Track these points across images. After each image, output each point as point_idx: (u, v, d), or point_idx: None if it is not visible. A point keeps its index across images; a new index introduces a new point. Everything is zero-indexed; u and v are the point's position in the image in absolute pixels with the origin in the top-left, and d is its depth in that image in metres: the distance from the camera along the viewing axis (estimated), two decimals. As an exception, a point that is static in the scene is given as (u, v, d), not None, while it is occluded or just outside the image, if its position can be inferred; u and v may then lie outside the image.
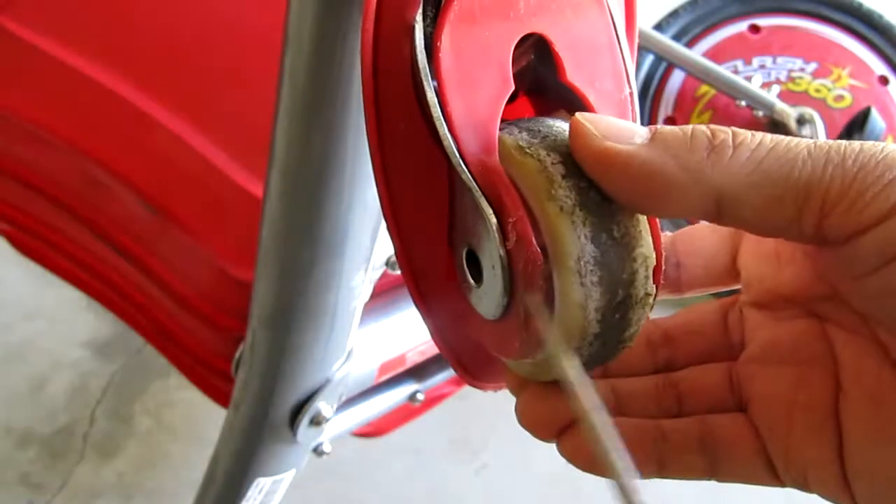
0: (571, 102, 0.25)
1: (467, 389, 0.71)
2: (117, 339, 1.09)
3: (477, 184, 0.23)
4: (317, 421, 0.48)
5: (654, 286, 0.23)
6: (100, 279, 0.62)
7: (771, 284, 0.26)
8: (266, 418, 0.47)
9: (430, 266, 0.26)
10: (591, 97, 0.25)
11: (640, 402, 0.26)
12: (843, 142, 0.21)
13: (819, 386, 0.24)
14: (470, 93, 0.23)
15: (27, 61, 0.59)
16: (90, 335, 1.10)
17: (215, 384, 0.57)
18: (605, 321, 0.23)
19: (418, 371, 0.61)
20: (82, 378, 1.06)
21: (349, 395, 0.53)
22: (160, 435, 1.02)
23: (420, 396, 0.62)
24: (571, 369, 0.23)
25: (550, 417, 0.25)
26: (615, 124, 0.22)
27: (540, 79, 0.26)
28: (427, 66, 0.23)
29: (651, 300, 0.23)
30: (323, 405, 0.47)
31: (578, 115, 0.23)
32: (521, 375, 0.26)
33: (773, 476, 0.25)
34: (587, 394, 0.22)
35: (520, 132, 0.24)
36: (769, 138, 0.21)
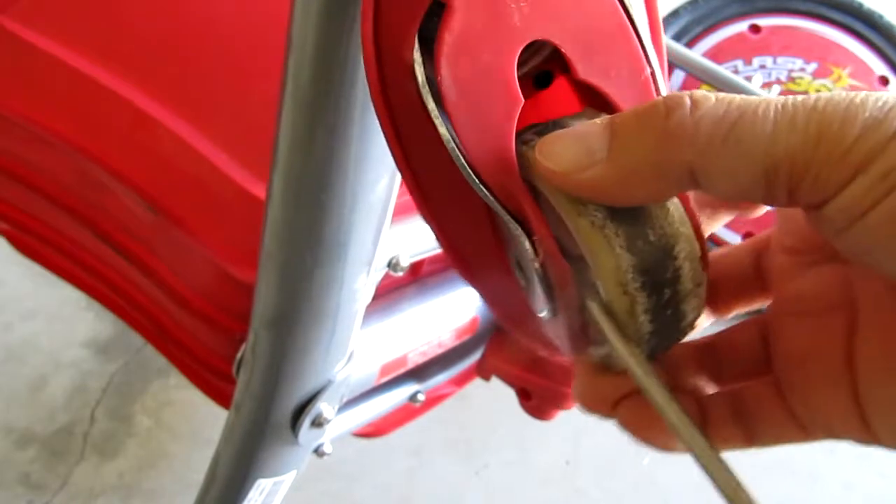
0: (595, 94, 0.25)
1: (467, 390, 0.71)
2: (117, 339, 1.09)
3: (503, 206, 0.24)
4: (318, 422, 0.48)
5: (704, 273, 0.23)
6: (100, 279, 0.62)
7: (794, 227, 0.26)
8: (267, 419, 0.47)
9: (495, 276, 0.27)
10: (609, 89, 0.25)
11: (685, 371, 0.27)
12: (809, 101, 0.21)
13: (836, 332, 0.24)
14: (481, 119, 0.23)
15: (28, 61, 0.59)
16: (90, 335, 1.10)
17: (216, 385, 0.57)
18: (658, 320, 0.23)
19: (419, 372, 0.61)
20: (82, 378, 1.06)
21: (350, 396, 0.53)
22: (160, 435, 1.02)
23: (421, 397, 0.62)
24: (638, 368, 0.23)
25: (607, 393, 0.26)
26: (570, 150, 0.23)
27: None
28: (434, 104, 0.23)
29: (702, 288, 0.24)
30: (324, 406, 0.47)
31: (536, 151, 0.23)
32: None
33: (804, 431, 0.25)
34: (657, 389, 0.23)
35: None
36: (735, 104, 0.21)
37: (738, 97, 0.21)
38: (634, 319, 0.23)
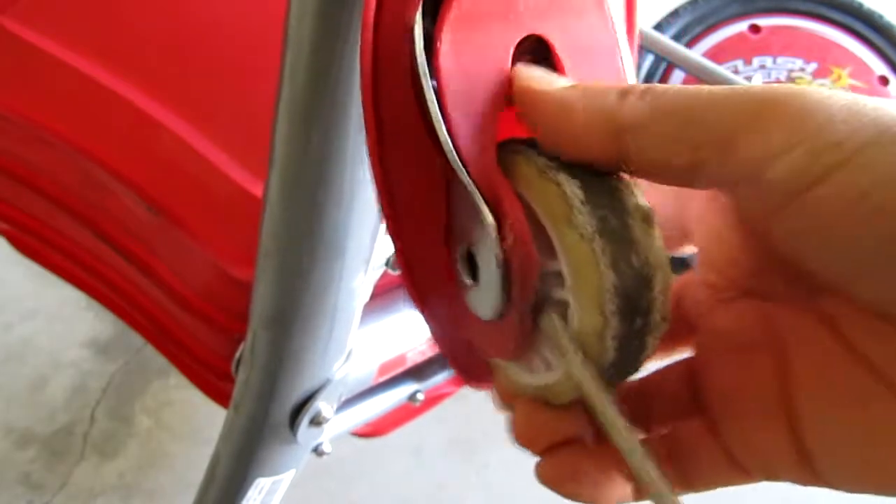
0: None
1: (467, 389, 0.71)
2: (117, 338, 1.09)
3: (475, 184, 0.23)
4: (317, 421, 0.48)
5: (668, 308, 0.23)
6: (100, 279, 0.62)
7: (716, 257, 0.26)
8: (266, 418, 0.47)
9: (429, 266, 0.26)
10: None
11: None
12: (752, 85, 0.21)
13: (765, 368, 0.24)
14: (470, 94, 0.23)
15: (28, 62, 0.59)
16: (90, 335, 1.10)
17: (215, 384, 0.57)
18: (623, 349, 0.22)
19: (418, 371, 0.61)
20: (82, 378, 1.06)
21: (349, 396, 0.53)
22: (160, 435, 1.02)
23: (420, 396, 0.62)
24: (598, 394, 0.22)
25: (547, 433, 0.25)
26: (545, 74, 0.24)
27: None
28: (426, 65, 0.23)
29: (667, 324, 0.23)
30: (323, 405, 0.47)
31: (517, 70, 0.24)
32: (513, 390, 0.26)
33: (745, 473, 0.25)
34: (617, 420, 0.22)
35: (535, 154, 0.23)
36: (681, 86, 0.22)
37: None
38: (602, 344, 0.22)
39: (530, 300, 0.23)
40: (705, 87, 0.21)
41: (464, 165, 0.23)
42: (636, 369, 0.24)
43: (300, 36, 0.30)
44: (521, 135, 0.25)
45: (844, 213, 0.19)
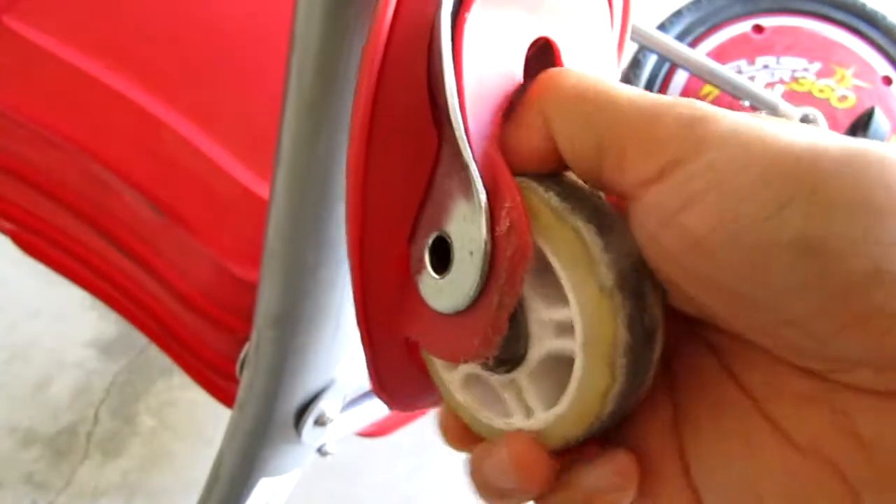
0: None
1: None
2: (121, 338, 1.09)
3: (475, 160, 0.22)
4: (321, 421, 0.48)
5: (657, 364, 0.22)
6: (104, 279, 0.62)
7: None
8: (271, 419, 0.47)
9: (384, 263, 0.25)
10: None
11: None
12: (667, 98, 0.21)
13: (661, 401, 0.23)
14: (484, 74, 0.23)
15: (31, 62, 0.59)
16: (94, 335, 1.10)
17: (219, 384, 0.57)
18: (621, 405, 0.21)
19: (422, 371, 0.61)
20: (86, 377, 1.06)
21: (354, 396, 0.53)
22: (164, 434, 1.02)
23: (424, 396, 0.62)
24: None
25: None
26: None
27: None
28: (450, 34, 0.22)
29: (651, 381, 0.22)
30: (327, 405, 0.47)
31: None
32: (462, 424, 0.25)
33: None
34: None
35: (550, 192, 0.22)
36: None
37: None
38: (604, 403, 0.21)
39: (517, 292, 0.22)
40: (627, 90, 0.21)
41: (468, 140, 0.23)
42: (616, 423, 0.23)
43: (307, 34, 0.30)
44: None
45: (706, 239, 0.19)
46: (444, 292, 0.24)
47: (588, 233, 0.21)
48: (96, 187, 0.58)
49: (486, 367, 0.24)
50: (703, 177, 0.19)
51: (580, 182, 0.23)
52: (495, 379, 0.24)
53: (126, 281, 0.61)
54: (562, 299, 0.22)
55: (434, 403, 0.28)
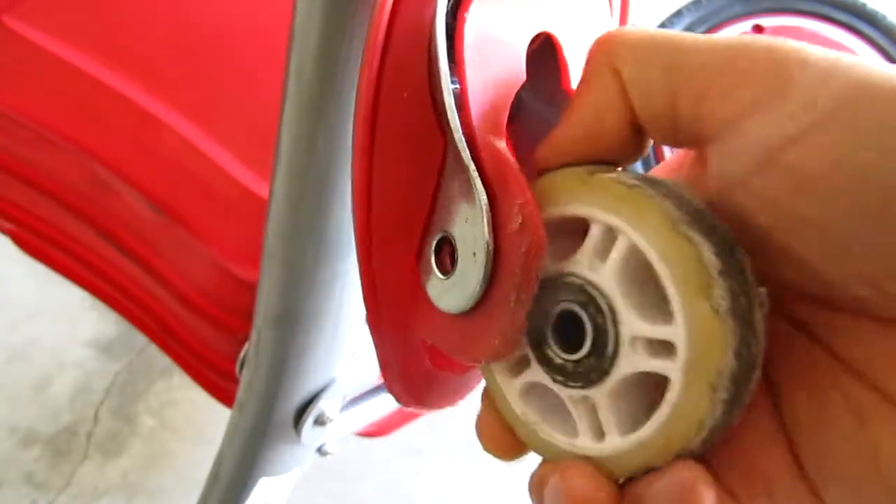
0: (548, 120, 0.24)
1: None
2: (121, 338, 1.09)
3: (475, 162, 0.22)
4: (321, 421, 0.48)
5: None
6: (104, 279, 0.62)
7: None
8: (270, 418, 0.47)
9: (394, 266, 0.25)
10: None
11: None
12: (734, 36, 0.19)
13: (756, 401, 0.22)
14: (487, 72, 0.23)
15: (32, 62, 0.59)
16: (94, 335, 1.10)
17: (220, 384, 0.57)
18: (711, 435, 0.20)
19: (422, 371, 0.61)
20: (86, 377, 1.06)
21: (353, 396, 0.53)
22: (164, 434, 1.02)
23: (424, 396, 0.62)
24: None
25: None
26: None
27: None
28: (445, 33, 0.22)
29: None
30: (327, 405, 0.47)
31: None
32: (507, 434, 0.24)
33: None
34: None
35: (667, 200, 0.20)
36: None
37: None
38: (698, 429, 0.20)
39: (534, 289, 0.21)
40: (695, 36, 0.20)
41: (470, 144, 0.22)
42: (710, 449, 0.21)
43: (306, 34, 0.30)
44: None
45: (822, 177, 0.17)
46: (449, 293, 0.24)
47: (707, 250, 0.19)
48: (96, 187, 0.58)
49: (557, 379, 0.22)
50: (808, 113, 0.17)
51: (695, 195, 0.21)
52: (567, 393, 0.22)
53: (126, 281, 0.61)
54: (663, 315, 0.20)
55: (451, 403, 0.28)
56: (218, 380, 0.57)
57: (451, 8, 0.23)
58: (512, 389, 0.24)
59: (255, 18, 0.60)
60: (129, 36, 0.60)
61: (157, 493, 0.97)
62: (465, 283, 0.23)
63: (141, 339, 0.90)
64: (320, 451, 0.53)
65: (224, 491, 0.52)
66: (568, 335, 0.22)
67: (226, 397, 0.57)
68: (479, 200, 0.22)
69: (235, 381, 0.49)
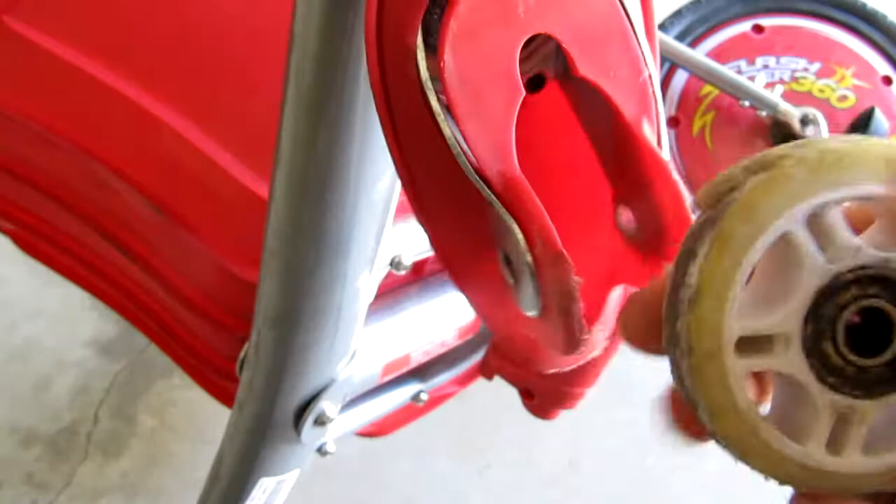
0: (591, 93, 0.25)
1: (470, 390, 0.71)
2: (121, 338, 1.09)
3: (497, 197, 0.24)
4: (321, 421, 0.48)
5: None
6: (104, 279, 0.62)
7: None
8: (270, 418, 0.47)
9: (482, 275, 0.28)
10: (608, 87, 0.25)
11: None
12: None
13: None
14: (481, 108, 0.24)
15: (32, 61, 0.59)
16: (94, 335, 1.10)
17: (219, 384, 0.57)
18: None
19: (422, 371, 0.61)
20: (86, 377, 1.06)
21: (353, 395, 0.53)
22: (164, 434, 1.02)
23: (424, 396, 0.62)
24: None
25: None
26: None
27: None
28: (434, 92, 0.23)
29: None
30: (327, 405, 0.47)
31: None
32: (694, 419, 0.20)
33: None
34: None
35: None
36: None
37: None
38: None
39: (574, 298, 0.23)
40: None
41: (485, 181, 0.24)
42: None
43: (306, 35, 0.30)
44: (536, 129, 0.25)
45: None
46: (522, 300, 0.26)
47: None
48: (96, 187, 0.58)
49: (827, 380, 0.19)
50: None
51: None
52: (829, 397, 0.19)
53: (126, 280, 0.61)
54: None
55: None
56: (218, 380, 0.57)
57: (431, 49, 0.24)
58: (736, 368, 0.19)
59: (255, 18, 0.60)
60: (128, 36, 0.60)
61: (157, 493, 0.97)
62: (526, 293, 0.26)
63: (141, 339, 0.90)
64: (320, 450, 0.53)
65: (224, 490, 0.52)
66: (864, 336, 0.19)
67: (226, 397, 0.57)
68: (513, 230, 0.24)
69: (236, 382, 0.49)
